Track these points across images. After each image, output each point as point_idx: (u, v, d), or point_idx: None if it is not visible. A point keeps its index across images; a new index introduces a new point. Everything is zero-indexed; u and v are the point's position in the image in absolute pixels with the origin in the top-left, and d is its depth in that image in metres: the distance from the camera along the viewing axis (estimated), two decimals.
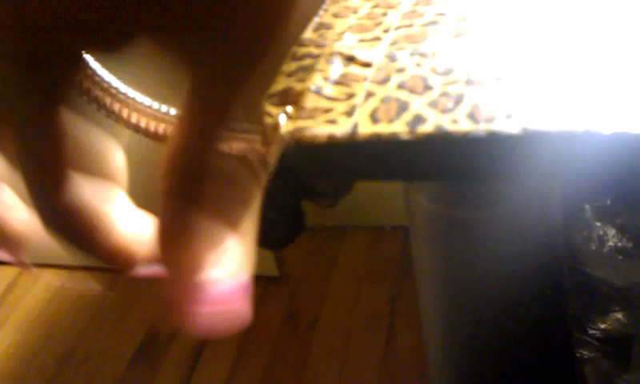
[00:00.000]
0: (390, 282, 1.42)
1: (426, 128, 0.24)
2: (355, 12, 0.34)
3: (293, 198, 0.28)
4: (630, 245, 0.84)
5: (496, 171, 0.24)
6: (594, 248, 0.83)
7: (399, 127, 0.24)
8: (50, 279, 1.65)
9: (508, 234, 0.32)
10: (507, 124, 0.23)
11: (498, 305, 0.38)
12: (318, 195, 0.28)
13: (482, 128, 0.23)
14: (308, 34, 0.32)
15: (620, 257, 0.84)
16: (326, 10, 0.34)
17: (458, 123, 0.24)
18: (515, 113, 0.24)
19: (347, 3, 0.35)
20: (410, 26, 0.31)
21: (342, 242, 1.55)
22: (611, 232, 0.85)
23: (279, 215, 0.28)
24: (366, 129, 0.25)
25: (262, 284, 1.49)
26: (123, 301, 1.55)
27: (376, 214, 1.52)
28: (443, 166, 0.25)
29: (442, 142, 0.24)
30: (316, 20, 0.34)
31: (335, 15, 0.34)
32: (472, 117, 0.24)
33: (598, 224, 0.85)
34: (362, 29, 0.32)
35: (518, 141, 0.23)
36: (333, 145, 0.25)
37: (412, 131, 0.24)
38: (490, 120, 0.23)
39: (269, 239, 0.29)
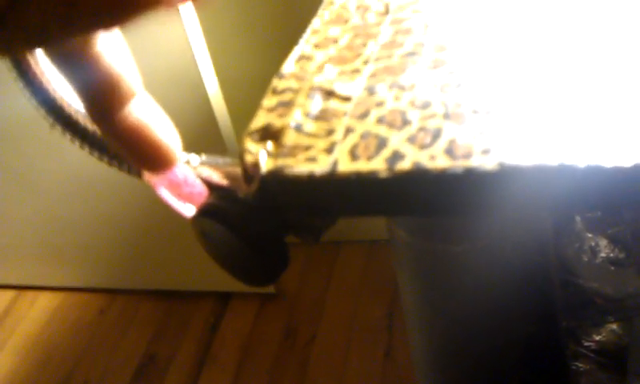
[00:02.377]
0: (387, 296, 1.42)
1: (404, 165, 0.24)
2: (335, 42, 0.34)
3: (276, 234, 0.28)
4: (622, 255, 0.84)
5: (474, 206, 0.24)
6: (586, 260, 0.83)
7: (378, 164, 0.25)
8: (46, 302, 1.65)
9: (493, 263, 0.32)
10: (484, 160, 0.23)
11: (486, 329, 0.38)
12: (302, 230, 0.29)
13: (459, 164, 0.23)
14: (289, 65, 0.33)
15: (613, 267, 0.84)
16: (307, 41, 0.35)
17: (435, 160, 0.24)
18: (491, 147, 0.24)
19: (328, 33, 0.35)
20: (390, 56, 0.31)
21: (337, 256, 1.55)
22: (603, 243, 0.85)
23: (263, 251, 0.28)
24: (346, 166, 0.25)
25: (260, 301, 1.49)
26: (120, 322, 1.54)
27: (371, 228, 1.52)
28: (422, 202, 0.25)
29: (420, 178, 0.24)
30: (297, 51, 0.34)
31: (316, 46, 0.34)
32: (449, 152, 0.24)
33: (590, 235, 0.85)
34: (342, 60, 0.32)
35: (495, 176, 0.23)
36: (313, 183, 0.25)
37: (391, 168, 0.24)
38: (466, 156, 0.24)
39: (254, 275, 0.29)
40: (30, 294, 1.69)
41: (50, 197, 1.47)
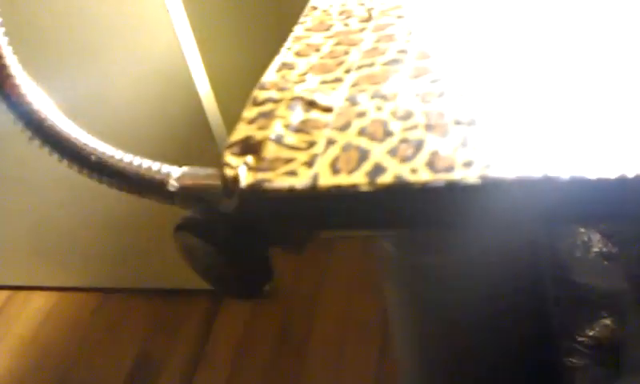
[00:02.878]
0: (381, 293, 1.41)
1: (385, 178, 0.24)
2: (317, 50, 0.33)
3: (259, 246, 0.28)
4: (614, 250, 0.84)
5: (457, 219, 0.24)
6: (578, 255, 0.83)
7: (359, 178, 0.24)
8: (40, 302, 1.64)
9: (482, 271, 0.32)
10: (465, 173, 0.23)
11: (476, 336, 0.38)
12: (284, 243, 0.28)
13: (440, 178, 0.23)
14: (271, 74, 0.32)
15: (606, 262, 0.84)
16: (288, 49, 0.34)
17: (417, 173, 0.24)
18: (474, 159, 0.23)
19: (309, 40, 0.34)
20: (372, 64, 0.31)
21: (331, 253, 1.55)
22: (595, 237, 0.85)
23: (244, 267, 0.27)
24: (327, 180, 0.25)
25: (254, 300, 1.48)
26: (114, 321, 1.54)
27: None
28: (404, 216, 0.24)
29: (401, 192, 0.23)
30: (279, 59, 0.33)
31: (298, 54, 0.33)
32: (431, 165, 0.24)
33: (582, 230, 0.85)
34: (324, 69, 0.31)
35: (477, 189, 0.23)
36: (293, 198, 0.25)
37: (372, 182, 0.24)
38: (448, 169, 0.23)
39: (236, 290, 0.29)
40: (23, 294, 1.68)
41: (43, 197, 1.46)
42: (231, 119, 1.25)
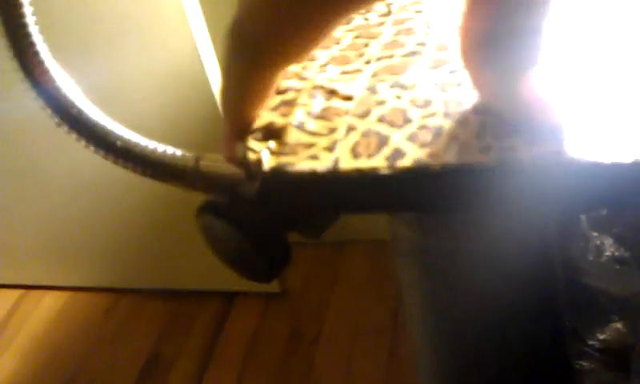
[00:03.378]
0: (391, 296, 1.42)
1: (404, 162, 0.24)
2: (338, 42, 0.34)
3: (278, 230, 0.29)
4: (627, 254, 0.84)
5: (474, 203, 0.24)
6: (591, 258, 0.83)
7: (379, 162, 0.25)
8: (52, 302, 1.65)
9: (496, 260, 0.32)
10: (483, 157, 0.23)
11: (489, 326, 0.38)
12: (304, 226, 0.29)
13: (459, 162, 0.24)
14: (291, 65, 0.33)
15: (618, 266, 0.84)
16: None
17: (436, 157, 0.24)
18: (492, 145, 0.24)
19: None
20: (391, 56, 0.31)
21: (343, 256, 1.56)
22: (608, 242, 0.85)
23: (265, 248, 0.28)
24: (347, 164, 0.25)
25: (264, 301, 1.49)
26: (125, 321, 1.55)
27: (376, 227, 1.52)
28: (422, 199, 0.25)
29: (420, 175, 0.24)
30: None
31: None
32: (450, 150, 0.24)
33: (595, 234, 0.85)
34: (344, 60, 0.32)
35: (494, 173, 0.23)
36: (315, 180, 0.26)
37: (391, 165, 0.25)
38: (466, 154, 0.24)
39: (256, 271, 0.30)
40: (35, 294, 1.70)
41: (56, 196, 1.47)
42: None
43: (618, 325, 0.81)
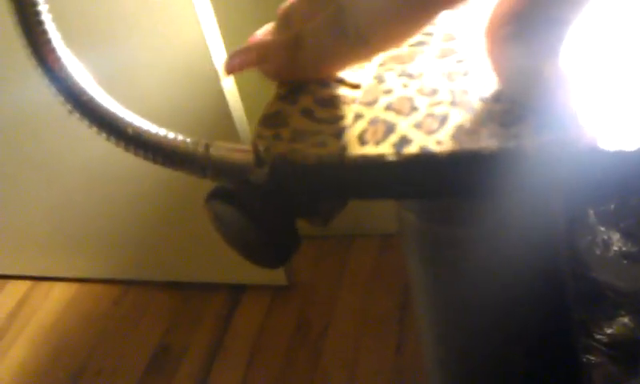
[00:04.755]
0: (399, 289, 1.42)
1: (411, 149, 0.25)
2: None
3: (287, 216, 0.29)
4: (634, 249, 0.84)
5: (480, 188, 0.25)
6: (598, 253, 0.84)
7: (385, 149, 0.25)
8: (61, 293, 1.67)
9: (503, 248, 0.33)
10: (488, 143, 0.24)
11: (496, 316, 0.39)
12: (312, 214, 0.29)
13: (465, 148, 0.24)
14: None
15: (625, 261, 0.84)
16: None
17: (442, 144, 0.25)
18: (497, 132, 0.24)
19: None
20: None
21: (350, 249, 1.56)
22: (615, 236, 0.85)
23: (274, 234, 0.29)
24: (354, 151, 0.26)
25: (272, 293, 1.49)
26: (134, 313, 1.56)
27: (384, 221, 1.52)
28: (428, 185, 0.25)
29: (426, 161, 0.24)
30: None
31: None
32: (456, 137, 0.25)
33: (602, 229, 0.85)
34: None
35: (499, 159, 0.24)
36: (322, 166, 0.26)
37: (398, 152, 0.25)
38: (472, 141, 0.24)
39: (265, 257, 0.30)
40: (45, 285, 1.71)
41: (66, 187, 1.48)
42: (254, 113, 1.26)
43: (626, 319, 0.81)
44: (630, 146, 0.22)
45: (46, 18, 0.31)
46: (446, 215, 0.30)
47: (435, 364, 0.45)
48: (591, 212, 0.86)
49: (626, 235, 0.85)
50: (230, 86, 1.18)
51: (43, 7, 0.31)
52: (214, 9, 1.12)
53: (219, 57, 1.13)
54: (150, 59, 1.16)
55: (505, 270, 0.35)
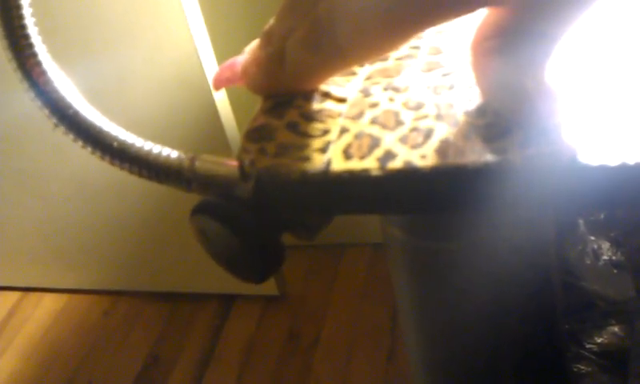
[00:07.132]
0: (390, 299, 1.42)
1: (395, 164, 0.25)
2: None
3: (271, 231, 0.29)
4: (624, 258, 0.84)
5: (465, 204, 0.25)
6: (588, 262, 0.84)
7: (370, 163, 0.25)
8: (51, 304, 1.66)
9: (489, 262, 0.33)
10: (474, 158, 0.24)
11: (483, 330, 0.39)
12: (297, 228, 0.29)
13: (449, 163, 0.24)
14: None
15: (615, 270, 0.84)
16: None
17: (426, 158, 0.24)
18: (482, 146, 0.24)
19: None
20: (385, 59, 0.32)
21: (341, 259, 1.56)
22: (605, 246, 0.85)
23: (258, 249, 0.28)
24: (339, 165, 0.26)
25: (263, 303, 1.49)
26: (124, 324, 1.55)
27: (376, 230, 1.52)
28: (413, 200, 0.25)
29: (411, 176, 0.24)
30: None
31: None
32: (440, 151, 0.25)
33: (592, 238, 0.85)
34: None
35: (484, 174, 0.23)
36: (306, 181, 0.26)
37: (382, 167, 0.25)
38: (457, 155, 0.24)
39: (250, 272, 0.30)
40: (34, 296, 1.70)
41: (54, 199, 1.48)
42: (246, 124, 1.26)
43: (615, 328, 0.82)
44: (612, 161, 0.22)
45: (33, 31, 0.31)
46: (432, 230, 0.30)
47: (422, 377, 0.45)
48: (581, 221, 0.86)
49: (616, 244, 0.86)
50: (221, 97, 1.18)
51: (30, 21, 0.31)
52: (205, 20, 1.12)
53: (210, 67, 1.13)
54: (141, 70, 1.16)
55: (492, 284, 0.35)
